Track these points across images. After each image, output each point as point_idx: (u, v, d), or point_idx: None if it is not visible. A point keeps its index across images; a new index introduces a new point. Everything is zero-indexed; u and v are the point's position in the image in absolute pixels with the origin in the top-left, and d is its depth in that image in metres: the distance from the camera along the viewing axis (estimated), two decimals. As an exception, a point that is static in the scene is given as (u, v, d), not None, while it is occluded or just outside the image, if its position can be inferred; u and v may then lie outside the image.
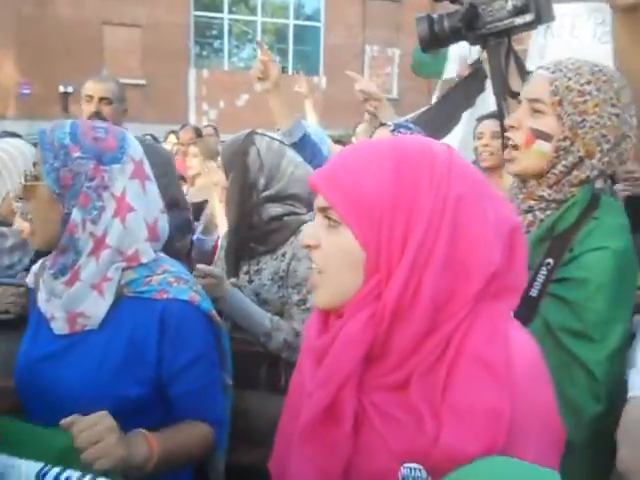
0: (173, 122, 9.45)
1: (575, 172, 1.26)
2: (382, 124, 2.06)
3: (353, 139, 4.61)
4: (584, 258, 1.22)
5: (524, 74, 2.25)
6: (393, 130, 1.91)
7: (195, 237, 3.06)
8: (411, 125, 2.03)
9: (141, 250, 1.14)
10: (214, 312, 1.19)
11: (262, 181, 1.60)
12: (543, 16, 2.07)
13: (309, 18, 14.95)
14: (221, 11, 14.19)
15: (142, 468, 0.99)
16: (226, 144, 1.74)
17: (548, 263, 1.24)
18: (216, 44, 14.71)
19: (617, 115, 1.24)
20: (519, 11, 2.02)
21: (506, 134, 1.35)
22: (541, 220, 1.29)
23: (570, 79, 1.25)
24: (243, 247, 1.62)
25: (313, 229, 0.81)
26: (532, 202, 1.31)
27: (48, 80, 12.47)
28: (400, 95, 14.27)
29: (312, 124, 3.94)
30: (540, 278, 1.24)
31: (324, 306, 0.81)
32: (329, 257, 0.79)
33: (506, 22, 2.06)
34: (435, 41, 2.21)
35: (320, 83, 14.03)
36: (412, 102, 12.66)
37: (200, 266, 1.50)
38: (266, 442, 0.95)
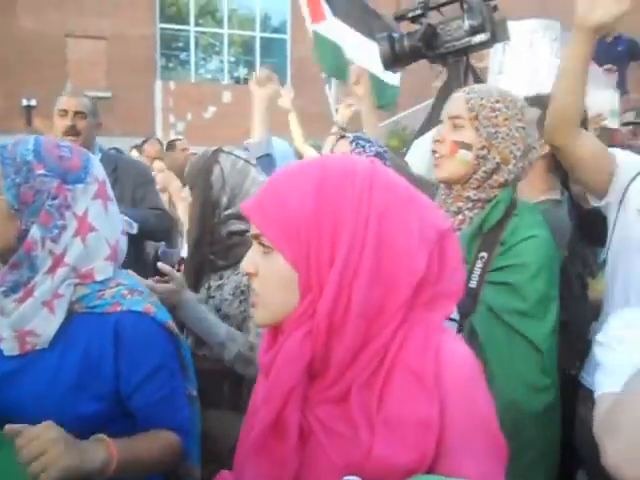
0: (139, 135, 9.34)
1: (495, 176, 1.46)
2: (342, 136, 2.10)
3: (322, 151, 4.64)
4: (519, 247, 1.40)
5: None
6: (352, 141, 1.95)
7: (160, 250, 3.05)
8: (370, 137, 2.07)
9: (98, 268, 1.14)
10: (171, 323, 1.18)
11: (225, 199, 1.62)
12: (498, 35, 2.15)
13: (276, 30, 15.03)
14: (187, 23, 14.15)
15: (101, 473, 1.00)
16: (192, 161, 1.76)
17: (482, 256, 1.42)
18: (182, 56, 14.66)
19: (523, 128, 1.48)
20: (475, 31, 2.10)
21: (432, 147, 1.54)
22: (470, 218, 1.48)
23: (483, 98, 1.47)
24: (204, 262, 1.63)
25: (251, 256, 0.84)
26: (460, 203, 1.50)
27: (10, 93, 12.23)
28: (367, 107, 14.41)
29: (297, 138, 3.96)
30: (477, 270, 1.41)
31: (263, 324, 0.85)
32: (266, 282, 0.82)
33: (463, 41, 2.13)
34: (396, 59, 2.28)
35: (289, 91, 14.07)
36: (378, 113, 12.83)
37: (161, 264, 1.51)
38: (228, 460, 0.96)
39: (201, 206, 1.62)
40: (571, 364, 1.72)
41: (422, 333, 0.79)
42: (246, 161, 1.73)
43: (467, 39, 2.09)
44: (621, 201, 1.79)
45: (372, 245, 0.77)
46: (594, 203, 1.89)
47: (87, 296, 1.12)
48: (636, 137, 3.41)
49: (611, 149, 1.85)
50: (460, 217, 1.48)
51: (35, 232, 1.09)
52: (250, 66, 14.88)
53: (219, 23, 14.63)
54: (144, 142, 4.82)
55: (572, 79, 1.61)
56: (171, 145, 6.10)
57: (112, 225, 1.18)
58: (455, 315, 1.39)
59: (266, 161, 2.12)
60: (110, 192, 1.21)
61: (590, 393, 1.87)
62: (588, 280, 2.19)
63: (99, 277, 1.14)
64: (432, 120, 2.97)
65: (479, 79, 2.25)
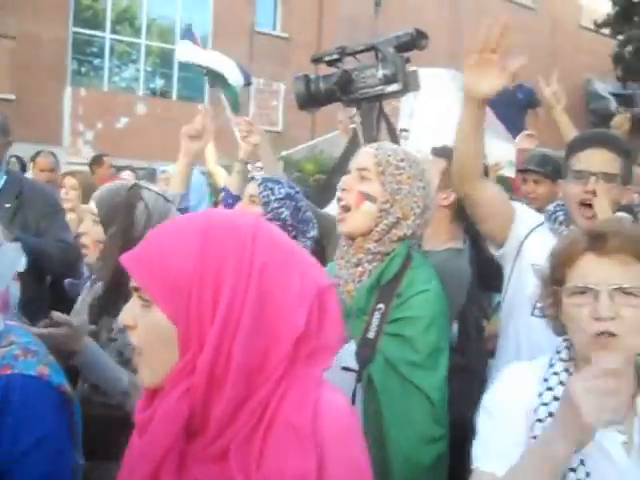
0: (45, 142, 8.88)
1: (394, 230, 1.54)
2: (251, 178, 2.11)
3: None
4: (413, 300, 1.47)
5: (394, 136, 2.42)
6: (260, 184, 1.95)
7: (66, 281, 2.88)
8: (281, 179, 2.08)
9: None
10: (65, 385, 1.12)
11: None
12: (410, 86, 2.25)
13: (196, 45, 14.86)
14: (103, 29, 13.67)
15: None
16: (103, 195, 1.66)
17: (380, 308, 1.48)
18: (96, 62, 14.12)
19: (424, 188, 1.57)
20: (388, 80, 2.19)
21: (339, 195, 1.60)
22: (370, 271, 1.53)
23: (390, 155, 1.56)
24: (111, 304, 1.56)
25: (130, 309, 0.83)
26: (361, 255, 1.55)
27: None
28: (284, 128, 14.54)
29: (209, 159, 3.91)
30: (375, 321, 1.48)
31: (149, 385, 0.83)
32: (145, 337, 0.81)
33: (377, 89, 2.22)
34: (311, 100, 2.33)
35: (208, 109, 13.91)
36: (296, 136, 12.96)
37: (56, 314, 1.43)
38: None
39: (122, 244, 1.53)
40: (469, 408, 1.80)
41: (301, 387, 0.81)
42: (165, 199, 1.69)
43: (380, 87, 2.17)
44: (518, 253, 1.91)
45: (253, 301, 0.78)
46: (493, 252, 2.00)
47: None
48: (525, 183, 3.66)
49: (513, 202, 1.98)
50: (360, 269, 1.54)
51: None
52: (167, 78, 14.58)
53: (137, 32, 14.25)
54: (38, 154, 4.51)
55: (468, 136, 1.72)
56: (97, 160, 5.79)
57: (3, 272, 1.12)
58: (354, 365, 1.43)
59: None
60: (1, 235, 1.13)
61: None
62: (483, 323, 2.32)
63: None
64: (342, 167, 3.05)
65: (391, 126, 2.34)
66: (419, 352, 1.41)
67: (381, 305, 1.46)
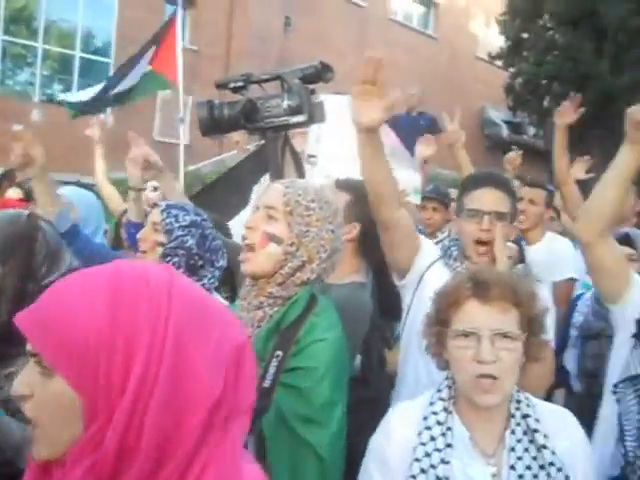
0: None
1: (298, 274, 1.48)
2: (155, 204, 2.02)
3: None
4: (310, 349, 1.40)
5: (300, 166, 2.43)
6: (163, 210, 1.88)
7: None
8: (186, 206, 2.01)
9: None
10: None
11: (44, 269, 1.46)
12: (315, 117, 2.27)
13: (98, 51, 14.27)
14: (-6, 29, 12.81)
15: None
16: None
17: (278, 355, 1.40)
18: (-14, 64, 13.20)
19: (333, 231, 1.51)
20: (294, 111, 2.20)
21: (243, 234, 1.54)
22: (270, 315, 1.47)
23: (300, 195, 1.50)
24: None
25: (26, 376, 0.74)
26: (262, 298, 1.49)
27: None
28: (192, 142, 14.26)
29: (99, 173, 3.69)
30: (272, 369, 1.40)
31: (43, 460, 0.74)
32: (43, 408, 0.72)
33: (282, 119, 2.21)
34: (215, 126, 2.28)
35: (107, 120, 13.38)
36: (202, 149, 12.75)
37: None
38: None
39: (19, 279, 1.41)
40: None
41: (222, 459, 0.75)
42: (54, 227, 1.60)
43: (285, 118, 2.17)
44: (417, 284, 1.98)
45: (168, 368, 0.71)
46: (396, 281, 2.05)
47: None
48: (424, 210, 3.84)
49: (418, 234, 2.04)
50: (260, 313, 1.48)
51: None
52: (66, 84, 13.89)
53: (34, 34, 13.48)
54: None
55: (369, 163, 1.77)
56: (8, 176, 5.28)
57: None
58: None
59: (70, 233, 1.97)
60: None
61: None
62: (385, 352, 2.37)
63: None
64: (214, 190, 3.04)
65: (297, 155, 2.35)
66: (310, 405, 1.36)
67: (279, 352, 1.40)
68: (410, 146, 4.37)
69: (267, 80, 2.24)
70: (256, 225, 1.51)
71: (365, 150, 1.76)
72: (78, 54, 13.84)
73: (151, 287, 0.75)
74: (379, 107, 1.66)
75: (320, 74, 2.19)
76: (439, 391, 1.32)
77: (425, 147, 3.71)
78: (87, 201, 2.53)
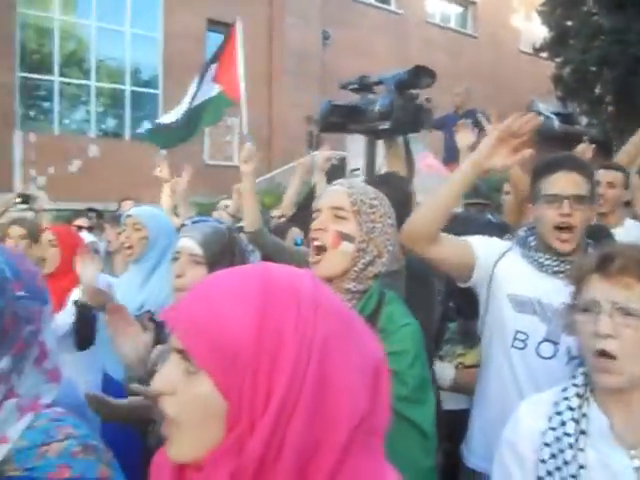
0: (-5, 189, 8.61)
1: (370, 268, 1.54)
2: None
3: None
4: (398, 334, 1.45)
5: (411, 165, 2.55)
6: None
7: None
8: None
9: (43, 392, 0.93)
10: None
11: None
12: (419, 123, 2.35)
13: (146, 84, 14.79)
14: (51, 73, 13.48)
15: None
16: (207, 237, 1.67)
17: None
18: (45, 106, 13.87)
19: (392, 225, 1.60)
20: (382, 117, 2.28)
21: (313, 235, 1.57)
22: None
23: (362, 194, 1.56)
24: None
25: (168, 373, 0.71)
26: (340, 295, 1.48)
27: None
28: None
29: (165, 209, 3.85)
30: None
31: (180, 461, 0.72)
32: (186, 407, 0.70)
33: (372, 125, 2.31)
34: (330, 125, 2.43)
35: (159, 150, 13.80)
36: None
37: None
38: None
39: None
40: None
41: (361, 471, 0.72)
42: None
43: (375, 123, 2.31)
44: (490, 280, 1.94)
45: (313, 378, 0.69)
46: (460, 284, 2.03)
47: (23, 452, 0.84)
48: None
49: (469, 239, 1.99)
50: None
51: (5, 365, 0.87)
52: (119, 118, 14.43)
53: (86, 74, 14.10)
54: None
55: (445, 203, 1.78)
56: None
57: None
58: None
59: None
60: None
61: (473, 473, 1.96)
62: (457, 350, 2.37)
63: (46, 400, 0.94)
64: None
65: (411, 156, 2.48)
66: (406, 385, 1.40)
67: None
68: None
69: (375, 84, 2.37)
70: (326, 226, 1.54)
71: (454, 186, 1.76)
72: (128, 88, 14.38)
73: (299, 296, 0.72)
74: (508, 156, 1.70)
75: (413, 80, 2.24)
76: (573, 377, 1.27)
77: (463, 135, 3.60)
78: (157, 220, 2.61)
